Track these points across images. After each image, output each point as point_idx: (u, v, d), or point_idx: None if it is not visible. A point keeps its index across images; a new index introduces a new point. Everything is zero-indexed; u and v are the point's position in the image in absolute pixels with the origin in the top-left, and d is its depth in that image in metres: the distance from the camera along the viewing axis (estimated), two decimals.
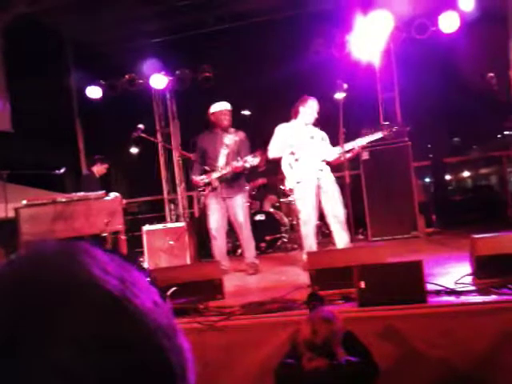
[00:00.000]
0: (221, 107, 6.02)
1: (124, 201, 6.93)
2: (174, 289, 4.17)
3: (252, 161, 5.61)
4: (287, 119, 5.90)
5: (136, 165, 10.69)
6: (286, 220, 7.68)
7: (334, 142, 5.75)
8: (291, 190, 5.80)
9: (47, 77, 8.61)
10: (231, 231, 6.53)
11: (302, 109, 5.76)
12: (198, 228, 7.32)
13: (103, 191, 6.49)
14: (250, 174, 6.56)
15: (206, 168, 5.94)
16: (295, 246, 7.28)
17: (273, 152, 5.81)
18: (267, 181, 8.12)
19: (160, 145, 9.28)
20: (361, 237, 7.61)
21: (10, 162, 7.23)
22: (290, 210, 7.49)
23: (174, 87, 9.49)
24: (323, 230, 7.02)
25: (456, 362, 3.29)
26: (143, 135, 6.72)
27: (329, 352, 2.68)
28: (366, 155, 7.42)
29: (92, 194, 6.36)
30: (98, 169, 7.72)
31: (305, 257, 5.04)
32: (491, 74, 6.21)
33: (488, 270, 3.87)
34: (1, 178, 6.75)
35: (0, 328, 0.46)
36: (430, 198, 8.62)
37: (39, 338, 0.45)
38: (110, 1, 8.19)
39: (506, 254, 3.86)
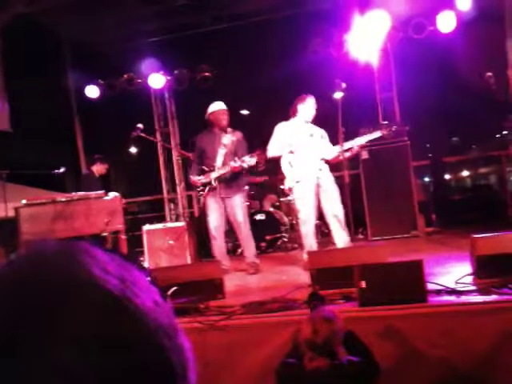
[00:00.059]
0: (219, 107, 6.04)
1: (124, 200, 6.93)
2: (174, 288, 4.18)
3: (249, 161, 5.62)
4: (286, 119, 5.93)
5: (135, 164, 10.68)
6: (286, 219, 7.68)
7: (333, 142, 5.77)
8: (290, 189, 5.81)
9: (46, 77, 8.60)
10: (231, 231, 6.53)
11: (300, 107, 5.79)
12: (198, 227, 7.32)
13: (103, 191, 6.49)
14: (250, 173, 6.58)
15: (204, 168, 5.95)
16: (295, 246, 7.28)
17: (272, 151, 5.83)
18: (267, 180, 8.12)
19: (159, 144, 9.28)
20: (361, 236, 7.61)
21: (9, 161, 7.23)
22: (290, 210, 7.48)
23: (172, 87, 9.49)
24: (323, 230, 7.03)
25: (456, 361, 3.30)
26: (142, 135, 6.72)
27: (330, 352, 2.69)
28: (365, 155, 7.43)
29: (92, 194, 6.35)
30: (98, 168, 7.72)
31: (305, 256, 5.04)
32: (489, 74, 6.21)
33: (488, 269, 3.87)
34: (0, 178, 6.74)
35: (0, 328, 0.46)
36: (429, 197, 8.62)
37: (39, 338, 0.45)
38: (109, 1, 8.17)
39: (507, 254, 3.86)
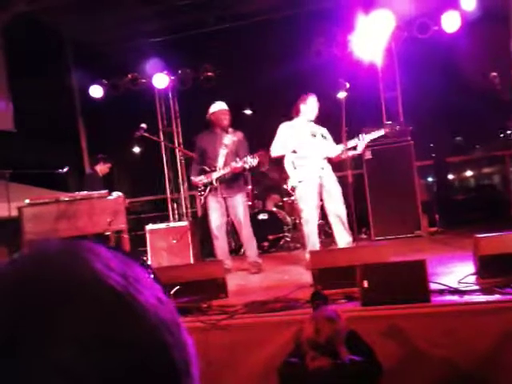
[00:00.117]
0: (220, 107, 6.05)
1: (127, 200, 6.95)
2: (177, 288, 4.18)
3: (251, 161, 5.62)
4: (289, 118, 5.94)
5: (139, 164, 10.69)
6: (288, 219, 7.68)
7: (337, 141, 5.77)
8: (293, 189, 5.82)
9: (48, 76, 8.62)
10: (234, 231, 6.54)
11: (302, 107, 5.81)
12: (201, 227, 7.33)
13: (106, 190, 6.50)
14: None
15: (205, 168, 5.96)
16: (298, 245, 7.29)
17: (275, 151, 5.84)
18: (270, 180, 8.13)
19: (163, 144, 9.28)
20: (364, 236, 7.61)
21: (12, 161, 7.24)
22: (293, 209, 7.49)
23: (176, 86, 9.50)
24: (326, 230, 7.02)
25: (459, 361, 3.29)
26: (146, 134, 6.73)
27: (332, 351, 2.68)
28: (368, 154, 7.42)
29: (95, 193, 6.37)
30: (101, 168, 7.74)
31: (308, 256, 5.04)
32: (494, 74, 6.19)
33: (491, 269, 3.86)
34: (4, 178, 6.75)
35: (0, 328, 0.46)
36: (432, 197, 8.60)
37: (39, 338, 0.45)
38: (109, 1, 8.19)
39: (510, 254, 3.85)
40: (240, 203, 5.92)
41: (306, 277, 4.66)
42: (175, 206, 9.73)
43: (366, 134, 5.69)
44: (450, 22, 7.75)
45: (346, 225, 5.55)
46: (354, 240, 5.56)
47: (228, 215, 6.14)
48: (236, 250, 7.42)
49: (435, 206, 8.00)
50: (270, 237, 7.49)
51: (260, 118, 9.32)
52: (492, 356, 3.25)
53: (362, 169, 7.55)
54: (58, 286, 0.48)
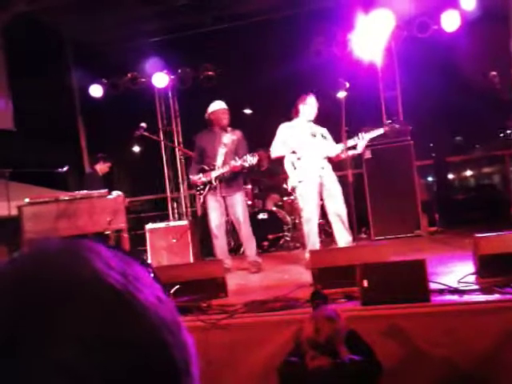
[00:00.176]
0: (220, 106, 6.05)
1: (127, 199, 6.95)
2: (176, 287, 4.18)
3: (251, 160, 5.62)
4: (289, 118, 5.94)
5: (138, 163, 10.69)
6: (288, 219, 7.69)
7: (337, 141, 5.77)
8: (294, 189, 5.82)
9: (48, 76, 8.61)
10: (234, 230, 6.54)
11: (301, 107, 5.81)
12: (201, 226, 7.33)
13: (106, 189, 6.50)
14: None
15: (204, 167, 5.96)
16: (298, 245, 7.29)
17: (275, 152, 5.86)
18: (269, 180, 8.14)
19: (162, 143, 9.28)
20: (364, 236, 7.61)
21: (12, 160, 7.24)
22: (293, 209, 7.49)
23: (175, 86, 9.50)
24: (326, 229, 7.02)
25: (459, 360, 3.29)
26: (145, 133, 6.73)
27: (332, 350, 2.68)
28: (368, 154, 7.41)
29: (95, 193, 6.37)
30: (101, 167, 7.74)
31: (307, 255, 5.04)
32: (494, 73, 6.19)
33: (491, 269, 3.86)
34: (3, 177, 6.75)
35: (0, 328, 0.45)
36: (432, 196, 8.60)
37: (39, 338, 0.45)
38: (109, 1, 8.18)
39: (509, 253, 3.85)
40: (239, 202, 5.92)
41: (306, 276, 4.66)
42: (175, 205, 9.73)
43: (365, 133, 5.69)
44: (450, 22, 7.75)
45: (347, 224, 5.55)
46: (354, 239, 5.56)
47: (227, 214, 6.14)
48: (236, 249, 7.42)
49: (435, 205, 8.00)
50: (270, 236, 7.50)
51: (260, 117, 9.32)
52: (492, 355, 3.25)
53: (361, 168, 7.55)
54: (58, 286, 0.48)
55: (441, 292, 3.74)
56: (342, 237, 5.52)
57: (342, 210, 5.55)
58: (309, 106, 5.80)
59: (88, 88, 9.33)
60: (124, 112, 8.78)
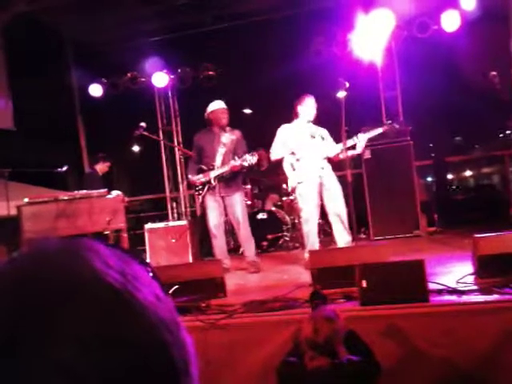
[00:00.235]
0: (219, 106, 6.04)
1: (126, 199, 6.94)
2: (175, 287, 4.18)
3: (250, 159, 5.61)
4: (289, 118, 5.93)
5: (138, 163, 10.69)
6: (287, 219, 7.69)
7: (337, 141, 5.77)
8: (293, 190, 5.81)
9: (48, 76, 8.61)
10: (233, 230, 6.54)
11: (300, 108, 5.81)
12: (200, 226, 7.33)
13: (105, 189, 6.50)
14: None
15: (203, 167, 5.95)
16: (297, 245, 7.29)
17: (275, 154, 5.86)
18: (269, 180, 8.14)
19: (162, 143, 9.28)
20: (363, 236, 7.61)
21: (12, 160, 7.23)
22: (292, 209, 7.49)
23: (175, 85, 9.50)
24: (325, 229, 7.03)
25: (458, 361, 3.29)
26: (145, 133, 6.73)
27: (331, 351, 2.68)
28: (367, 154, 7.41)
29: (94, 192, 6.37)
30: (101, 167, 7.73)
31: (307, 255, 5.04)
32: (494, 73, 6.19)
33: (490, 269, 3.87)
34: (3, 176, 6.75)
35: (0, 328, 0.45)
36: (432, 197, 8.60)
37: (39, 338, 0.45)
38: (109, 1, 8.18)
39: (508, 254, 3.86)
40: (238, 202, 5.91)
41: (305, 276, 4.66)
42: (174, 205, 9.73)
43: (363, 133, 5.70)
44: (450, 22, 7.75)
45: (346, 224, 5.55)
46: (353, 240, 5.56)
47: (226, 214, 6.13)
48: (235, 249, 7.42)
49: (434, 205, 8.00)
50: (269, 236, 7.50)
51: (259, 117, 9.32)
52: (491, 356, 3.25)
53: (361, 168, 7.55)
54: (57, 285, 0.48)
55: (440, 292, 3.74)
56: (342, 237, 5.52)
57: (342, 210, 5.56)
58: (307, 107, 5.80)
59: (88, 87, 9.32)
60: (124, 112, 8.78)
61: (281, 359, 2.92)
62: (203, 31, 9.16)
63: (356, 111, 6.30)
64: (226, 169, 5.79)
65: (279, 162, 5.92)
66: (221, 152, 5.91)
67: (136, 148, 10.70)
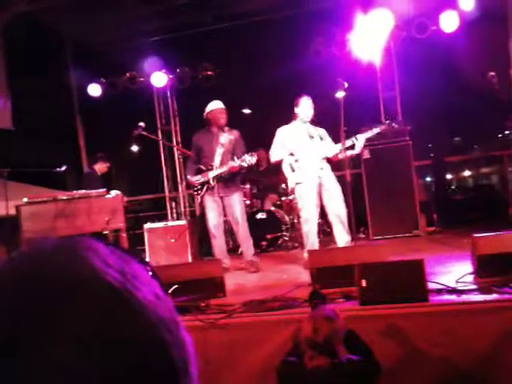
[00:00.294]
0: (217, 106, 6.04)
1: (125, 199, 6.94)
2: (175, 287, 4.18)
3: (250, 160, 5.61)
4: (288, 118, 5.94)
5: (137, 163, 10.68)
6: (287, 218, 7.69)
7: (335, 141, 5.77)
8: (293, 190, 5.82)
9: (47, 75, 8.61)
10: (232, 230, 6.53)
11: (297, 109, 5.83)
12: (199, 226, 7.33)
13: (104, 189, 6.50)
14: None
15: (202, 167, 5.95)
16: (296, 245, 7.29)
17: (275, 156, 5.87)
18: (268, 180, 8.14)
19: (161, 143, 9.28)
20: (362, 235, 7.61)
21: (10, 159, 7.23)
22: (291, 209, 7.49)
23: (174, 85, 9.50)
24: (324, 229, 7.03)
25: (457, 360, 3.30)
26: (144, 133, 6.73)
27: (330, 350, 2.68)
28: (366, 154, 7.41)
29: (93, 192, 6.36)
30: (100, 167, 7.72)
31: (306, 255, 5.04)
32: (492, 73, 6.20)
33: (489, 268, 3.87)
34: (2, 176, 6.74)
35: (0, 328, 0.45)
36: (431, 197, 8.60)
37: (39, 338, 0.45)
38: (109, 1, 8.18)
39: (508, 253, 3.86)
40: (237, 202, 5.91)
41: (305, 276, 4.66)
42: (173, 204, 9.73)
43: (362, 133, 5.70)
44: (449, 22, 7.76)
45: (346, 224, 5.55)
46: (353, 239, 5.56)
47: (225, 214, 6.13)
48: (234, 248, 7.41)
49: (433, 205, 8.00)
50: (268, 236, 7.49)
51: (259, 117, 9.32)
52: (490, 355, 3.25)
53: (360, 168, 7.55)
54: (57, 285, 0.48)
55: (439, 292, 3.74)
56: (342, 237, 5.53)
57: (342, 210, 5.56)
58: (304, 108, 5.81)
59: (86, 87, 9.32)
60: (122, 111, 8.77)
61: (280, 359, 2.92)
62: (203, 31, 9.16)
63: (355, 111, 6.30)
64: (224, 169, 5.79)
65: (278, 163, 5.92)
66: (219, 152, 5.91)
67: (135, 148, 10.70)
